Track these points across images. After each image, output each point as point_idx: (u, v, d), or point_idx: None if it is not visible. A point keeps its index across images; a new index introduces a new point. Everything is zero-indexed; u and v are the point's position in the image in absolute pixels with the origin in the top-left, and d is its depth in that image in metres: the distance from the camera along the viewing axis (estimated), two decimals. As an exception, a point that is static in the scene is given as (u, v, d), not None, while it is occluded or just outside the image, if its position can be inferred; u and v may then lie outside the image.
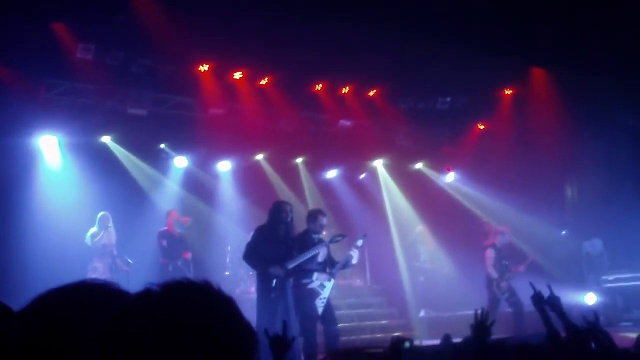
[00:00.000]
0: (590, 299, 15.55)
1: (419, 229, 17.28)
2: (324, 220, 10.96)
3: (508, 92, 17.92)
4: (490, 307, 13.96)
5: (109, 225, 13.64)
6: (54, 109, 13.70)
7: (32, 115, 13.35)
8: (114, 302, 1.37)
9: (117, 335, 1.25)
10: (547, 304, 6.21)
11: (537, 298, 6.26)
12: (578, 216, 18.19)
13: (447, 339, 7.54)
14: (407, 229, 17.96)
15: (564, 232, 17.89)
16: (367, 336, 14.73)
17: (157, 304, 1.29)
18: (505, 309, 14.05)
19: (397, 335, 5.60)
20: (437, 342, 10.08)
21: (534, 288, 6.41)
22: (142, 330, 1.23)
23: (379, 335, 14.63)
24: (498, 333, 12.53)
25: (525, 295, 6.39)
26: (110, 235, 13.60)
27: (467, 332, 7.80)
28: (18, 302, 1.71)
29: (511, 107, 17.99)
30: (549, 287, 6.38)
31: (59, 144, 14.18)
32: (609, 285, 16.15)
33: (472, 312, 5.45)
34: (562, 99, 16.71)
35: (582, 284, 16.18)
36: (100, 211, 13.66)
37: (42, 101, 13.57)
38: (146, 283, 1.33)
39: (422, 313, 15.77)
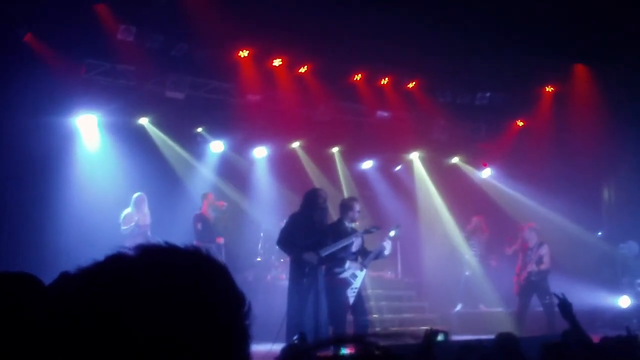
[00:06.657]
0: (624, 302, 15.38)
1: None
2: (357, 207, 10.91)
3: (549, 89, 17.70)
4: (521, 306, 13.91)
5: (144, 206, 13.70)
6: (93, 89, 13.80)
7: (72, 95, 13.48)
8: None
9: (82, 303, 1.13)
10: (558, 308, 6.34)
11: (562, 306, 6.32)
12: (614, 218, 17.93)
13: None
14: (440, 223, 17.82)
15: (599, 234, 17.65)
16: (397, 329, 14.66)
17: (130, 267, 1.17)
18: (536, 307, 13.94)
19: (431, 328, 5.56)
20: (465, 338, 10.02)
21: (558, 297, 6.45)
22: (110, 295, 1.12)
23: (409, 329, 14.55)
24: (530, 332, 12.49)
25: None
26: (145, 217, 13.65)
27: (498, 329, 7.75)
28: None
29: (551, 104, 17.76)
30: (555, 294, 6.63)
31: (98, 124, 14.29)
32: (643, 288, 15.93)
33: (503, 309, 5.50)
34: (603, 98, 16.45)
35: (617, 286, 15.98)
36: (135, 192, 13.71)
37: (82, 81, 13.67)
38: (119, 247, 1.20)
39: (458, 307, 15.63)
